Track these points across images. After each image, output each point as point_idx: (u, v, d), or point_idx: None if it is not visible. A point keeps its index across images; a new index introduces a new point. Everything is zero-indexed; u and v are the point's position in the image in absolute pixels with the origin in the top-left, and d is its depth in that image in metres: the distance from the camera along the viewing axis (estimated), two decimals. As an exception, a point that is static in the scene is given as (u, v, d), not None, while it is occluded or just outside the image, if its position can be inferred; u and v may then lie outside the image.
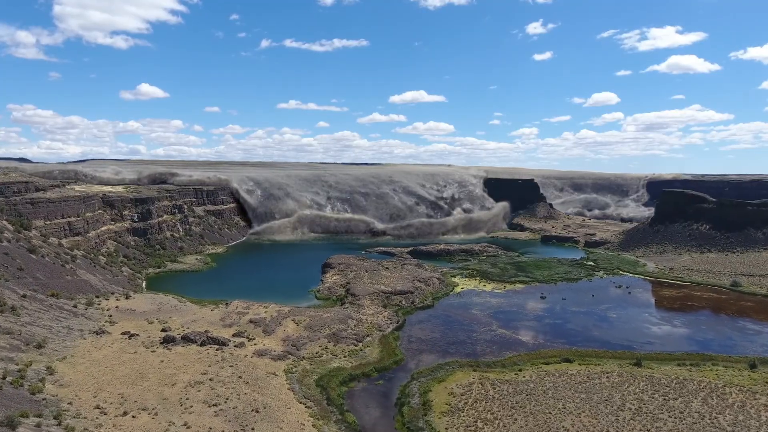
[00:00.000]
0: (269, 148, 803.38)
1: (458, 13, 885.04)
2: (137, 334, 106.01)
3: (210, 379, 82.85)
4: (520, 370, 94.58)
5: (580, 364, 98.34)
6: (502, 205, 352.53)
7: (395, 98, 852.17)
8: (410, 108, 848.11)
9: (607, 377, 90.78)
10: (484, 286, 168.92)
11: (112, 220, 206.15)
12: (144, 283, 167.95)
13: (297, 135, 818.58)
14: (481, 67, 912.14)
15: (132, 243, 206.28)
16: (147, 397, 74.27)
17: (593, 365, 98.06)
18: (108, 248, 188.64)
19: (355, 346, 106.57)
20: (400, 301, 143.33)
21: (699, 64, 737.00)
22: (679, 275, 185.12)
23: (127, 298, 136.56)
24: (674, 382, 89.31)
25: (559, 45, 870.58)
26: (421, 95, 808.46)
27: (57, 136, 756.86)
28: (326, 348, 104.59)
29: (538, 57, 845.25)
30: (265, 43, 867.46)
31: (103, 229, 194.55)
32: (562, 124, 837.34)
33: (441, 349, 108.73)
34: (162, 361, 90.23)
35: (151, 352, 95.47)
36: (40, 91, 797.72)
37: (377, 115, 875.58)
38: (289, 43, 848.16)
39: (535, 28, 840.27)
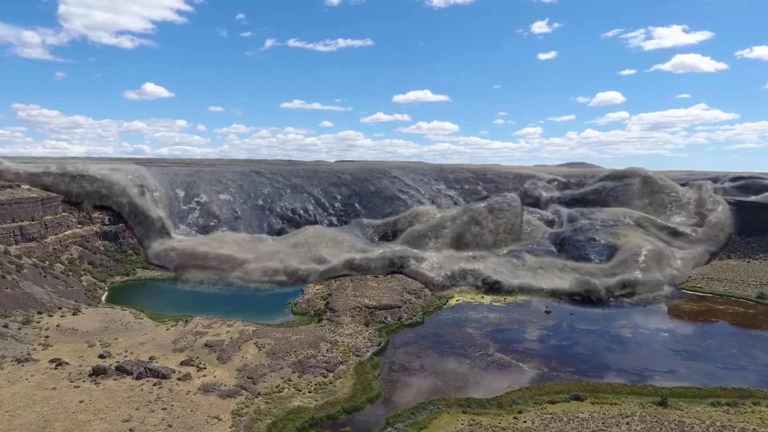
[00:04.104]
0: (273, 148, 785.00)
1: (462, 13, 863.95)
2: (68, 363, 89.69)
3: (130, 430, 66.36)
4: (520, 413, 77.58)
5: (592, 404, 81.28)
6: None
7: (399, 98, 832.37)
8: (414, 107, 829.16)
9: (628, 424, 73.66)
10: (482, 297, 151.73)
11: (79, 223, 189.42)
12: (105, 295, 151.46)
13: (301, 135, 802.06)
14: (486, 67, 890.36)
15: (101, 248, 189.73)
16: (37, 461, 57.89)
17: (609, 404, 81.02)
18: (71, 255, 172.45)
19: (324, 377, 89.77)
20: (385, 318, 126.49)
21: (705, 63, 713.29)
22: (698, 285, 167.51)
23: (74, 314, 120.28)
24: (711, 429, 72.30)
25: (563, 44, 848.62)
26: (425, 95, 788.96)
27: (62, 136, 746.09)
28: (289, 380, 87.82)
29: (542, 56, 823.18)
30: (269, 43, 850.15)
31: (66, 233, 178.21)
32: (566, 124, 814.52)
33: (426, 382, 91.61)
34: (81, 402, 73.86)
35: (74, 387, 79.12)
36: (45, 90, 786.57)
37: (381, 114, 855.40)
38: (293, 42, 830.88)
39: (540, 27, 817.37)
